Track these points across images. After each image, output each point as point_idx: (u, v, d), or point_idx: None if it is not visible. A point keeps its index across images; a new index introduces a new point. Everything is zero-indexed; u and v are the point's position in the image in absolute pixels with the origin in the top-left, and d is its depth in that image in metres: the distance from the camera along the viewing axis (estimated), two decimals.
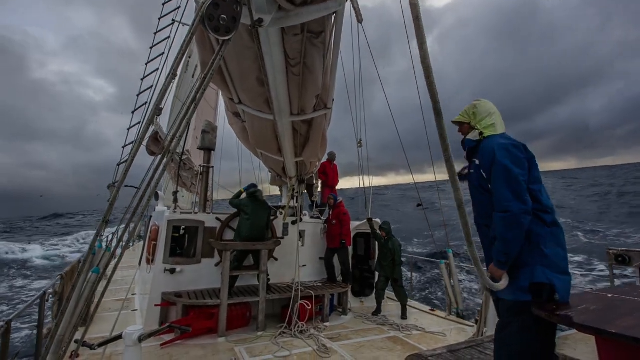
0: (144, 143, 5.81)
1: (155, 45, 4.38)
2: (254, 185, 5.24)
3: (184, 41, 1.45)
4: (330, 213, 5.86)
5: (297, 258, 5.15)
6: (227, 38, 1.47)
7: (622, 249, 4.71)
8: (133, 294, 6.03)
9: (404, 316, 5.49)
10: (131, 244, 12.17)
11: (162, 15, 4.23)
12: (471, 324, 5.21)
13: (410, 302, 6.41)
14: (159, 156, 1.81)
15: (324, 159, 7.54)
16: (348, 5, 2.58)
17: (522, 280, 1.66)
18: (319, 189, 7.25)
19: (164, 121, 8.68)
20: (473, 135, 2.05)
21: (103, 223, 1.68)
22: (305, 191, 6.91)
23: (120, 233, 1.80)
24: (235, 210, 5.29)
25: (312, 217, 6.43)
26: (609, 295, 1.89)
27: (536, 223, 1.70)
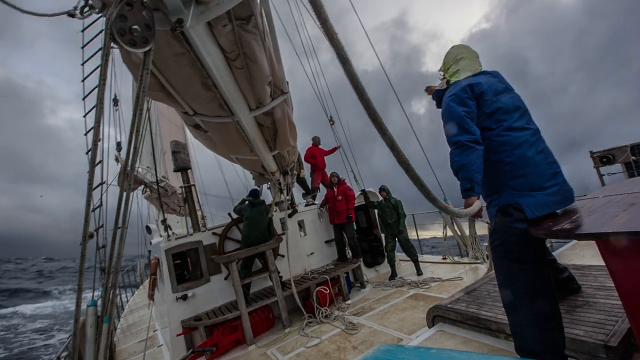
0: (116, 182, 5.61)
1: (86, 78, 4.08)
2: (255, 191, 5.24)
3: (100, 66, 1.34)
4: (336, 190, 5.94)
5: (287, 251, 5.14)
6: (147, 49, 1.36)
7: (604, 149, 4.83)
8: (154, 331, 5.99)
9: (419, 272, 5.59)
10: (140, 283, 12.04)
11: (84, 43, 3.94)
12: (482, 260, 5.35)
13: (422, 257, 6.53)
14: (125, 191, 1.71)
15: (310, 144, 7.52)
16: None
17: (493, 206, 1.81)
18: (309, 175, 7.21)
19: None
20: (440, 85, 2.15)
21: (80, 276, 1.60)
22: (298, 184, 6.88)
23: (108, 281, 1.72)
24: (229, 220, 5.23)
25: (306, 205, 6.40)
26: (601, 197, 1.91)
27: (500, 152, 1.76)
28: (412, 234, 6.54)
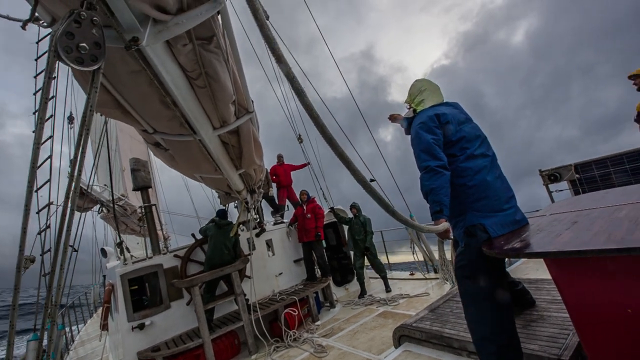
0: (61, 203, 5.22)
1: (38, 92, 3.85)
2: (222, 212, 5.07)
3: (44, 82, 1.25)
4: (305, 208, 5.86)
5: (251, 273, 5.00)
6: (95, 67, 1.29)
7: (552, 167, 5.23)
8: None
9: (387, 289, 5.63)
10: (93, 311, 11.09)
11: (38, 56, 3.73)
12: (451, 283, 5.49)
13: (391, 274, 6.60)
14: (69, 210, 1.57)
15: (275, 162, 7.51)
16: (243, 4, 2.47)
17: (459, 227, 1.90)
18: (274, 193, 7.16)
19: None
20: (406, 114, 2.28)
21: (13, 311, 1.42)
22: (266, 202, 6.79)
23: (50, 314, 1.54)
24: (193, 241, 5.01)
25: (275, 224, 6.29)
26: (547, 215, 2.04)
27: (464, 176, 1.88)
28: (382, 256, 6.64)
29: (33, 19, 1.63)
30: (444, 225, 1.78)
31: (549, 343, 1.89)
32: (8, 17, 1.80)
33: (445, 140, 1.96)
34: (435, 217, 1.83)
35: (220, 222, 4.84)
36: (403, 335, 2.69)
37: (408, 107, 2.33)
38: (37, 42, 3.62)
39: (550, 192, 5.44)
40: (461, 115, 2.09)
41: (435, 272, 5.91)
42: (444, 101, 2.22)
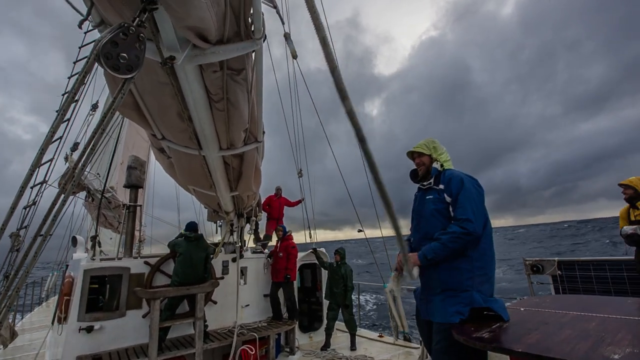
0: (56, 184, 5.16)
1: (72, 76, 4.05)
2: (192, 225, 4.85)
3: (76, 80, 1.33)
4: (279, 245, 5.67)
5: (237, 298, 4.83)
6: (129, 77, 1.38)
7: (536, 258, 5.28)
8: None
9: (353, 347, 5.39)
10: (44, 299, 10.43)
11: (78, 59, 3.96)
12: (417, 345, 5.30)
13: (359, 331, 6.35)
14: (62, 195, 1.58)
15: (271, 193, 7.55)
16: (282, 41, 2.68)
17: (461, 304, 1.83)
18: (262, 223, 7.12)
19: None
20: (437, 165, 2.31)
21: None
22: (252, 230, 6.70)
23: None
24: (169, 251, 4.87)
25: (254, 252, 6.16)
26: (522, 309, 2.05)
27: (476, 252, 1.93)
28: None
29: (86, 19, 1.76)
30: (416, 271, 1.94)
31: None
32: (76, 10, 1.97)
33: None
34: (421, 258, 1.92)
35: (190, 235, 4.60)
36: None
37: (429, 158, 2.32)
38: (79, 47, 3.86)
39: (530, 283, 5.44)
40: None
41: (405, 339, 5.70)
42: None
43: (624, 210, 4.10)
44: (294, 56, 5.22)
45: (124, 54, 1.36)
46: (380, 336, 6.07)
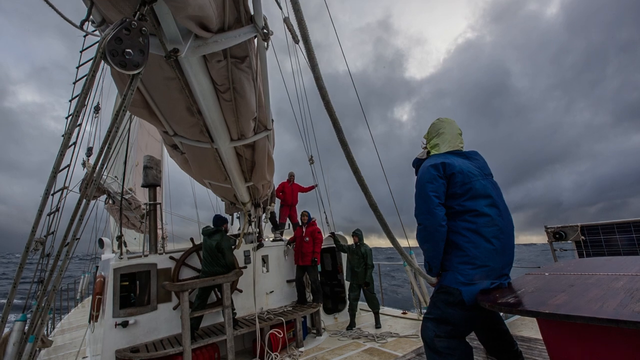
0: (77, 189, 5.33)
1: (78, 81, 4.10)
2: (215, 218, 4.95)
3: (86, 79, 1.35)
4: (304, 230, 5.78)
5: (255, 286, 4.94)
6: (136, 72, 1.39)
7: (558, 225, 5.18)
8: (84, 358, 5.37)
9: (377, 325, 5.48)
10: (79, 301, 10.97)
11: (84, 47, 3.99)
12: None
13: (383, 309, 6.44)
14: (84, 200, 1.64)
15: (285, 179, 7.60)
16: (283, 26, 2.66)
17: (440, 281, 1.92)
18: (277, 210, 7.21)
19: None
20: (421, 154, 2.23)
21: (13, 289, 1.46)
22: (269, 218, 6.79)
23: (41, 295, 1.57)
24: (191, 245, 5.02)
25: (273, 240, 6.27)
26: (546, 274, 2.03)
27: (458, 233, 1.85)
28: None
29: (87, 19, 1.77)
30: (434, 280, 1.94)
31: None
32: (67, 19, 1.98)
33: (449, 192, 1.91)
34: (428, 273, 1.96)
35: (206, 230, 4.71)
36: None
37: (424, 145, 2.27)
38: (80, 51, 3.90)
39: (553, 250, 5.35)
40: (473, 169, 1.97)
41: None
42: (461, 149, 2.13)
43: None
44: (296, 41, 5.14)
45: (129, 50, 1.37)
46: (404, 313, 6.14)
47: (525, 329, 3.53)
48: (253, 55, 2.17)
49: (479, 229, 1.80)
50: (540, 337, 2.92)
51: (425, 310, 5.78)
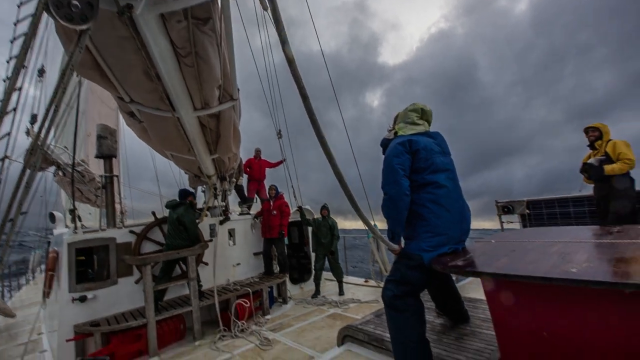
0: (22, 159, 4.88)
1: (16, 39, 3.63)
2: (180, 191, 4.89)
3: (27, 34, 1.21)
4: (272, 203, 5.83)
5: (215, 261, 4.95)
6: (84, 27, 1.27)
7: (507, 200, 5.64)
8: (39, 334, 5.16)
9: (341, 292, 5.77)
10: (30, 278, 10.35)
11: (20, 2, 3.51)
12: None
13: (347, 278, 6.77)
14: (29, 169, 1.52)
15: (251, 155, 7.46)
16: None
17: (405, 248, 2.07)
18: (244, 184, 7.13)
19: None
20: (388, 135, 2.34)
21: None
22: (235, 192, 6.71)
23: None
24: (153, 219, 4.86)
25: (240, 214, 6.24)
26: (493, 242, 2.24)
27: (421, 205, 2.00)
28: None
29: None
30: (396, 247, 2.08)
31: (475, 356, 2.07)
32: None
33: (414, 167, 2.07)
34: (391, 241, 2.07)
35: (170, 203, 4.64)
36: (347, 336, 2.81)
37: (390, 128, 2.40)
38: (18, 5, 3.42)
39: (501, 222, 5.86)
40: (435, 146, 2.16)
41: None
42: (427, 130, 2.28)
43: (585, 158, 4.21)
44: (264, 7, 4.88)
45: (75, 2, 1.24)
46: (366, 281, 6.50)
47: (472, 291, 3.90)
48: (217, 18, 2.05)
49: (438, 200, 1.99)
50: (484, 298, 3.26)
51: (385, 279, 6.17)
